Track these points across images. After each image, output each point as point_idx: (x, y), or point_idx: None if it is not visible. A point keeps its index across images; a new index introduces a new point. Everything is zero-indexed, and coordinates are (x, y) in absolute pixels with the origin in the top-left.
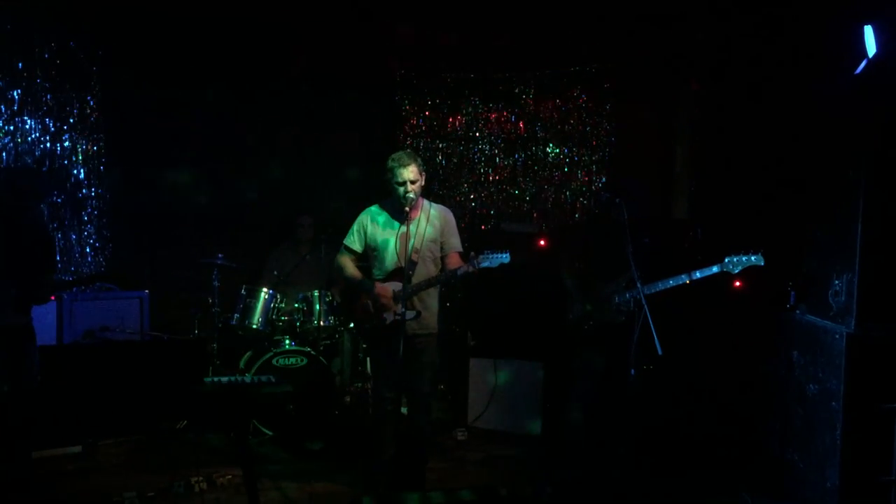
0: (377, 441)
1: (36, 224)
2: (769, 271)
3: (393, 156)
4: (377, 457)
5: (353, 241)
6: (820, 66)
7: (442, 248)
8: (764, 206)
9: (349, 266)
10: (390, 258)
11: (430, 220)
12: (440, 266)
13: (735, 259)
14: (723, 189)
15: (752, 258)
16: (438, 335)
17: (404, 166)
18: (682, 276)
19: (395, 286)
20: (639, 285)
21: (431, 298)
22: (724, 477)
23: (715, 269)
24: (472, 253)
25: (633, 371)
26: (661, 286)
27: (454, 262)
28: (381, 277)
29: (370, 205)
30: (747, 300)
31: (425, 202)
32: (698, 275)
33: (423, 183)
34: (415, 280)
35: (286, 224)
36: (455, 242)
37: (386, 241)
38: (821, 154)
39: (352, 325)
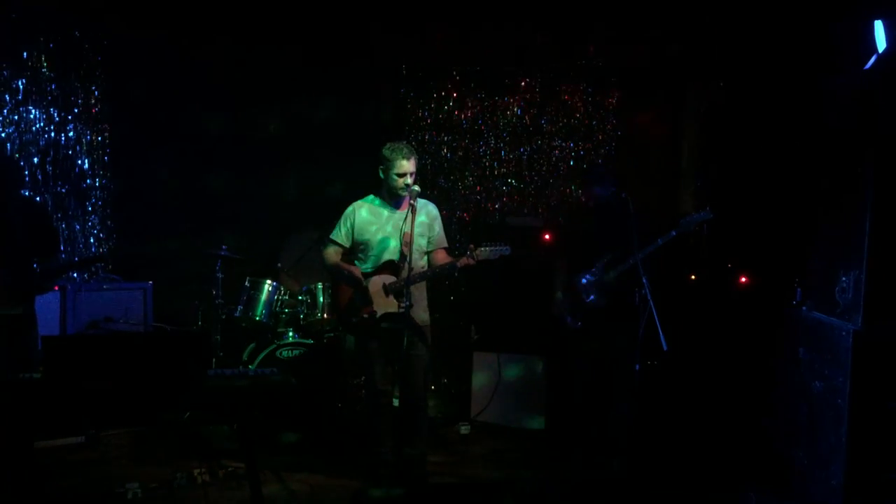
0: (374, 435)
1: (30, 210)
2: (775, 267)
3: (391, 146)
4: (376, 451)
5: (340, 235)
6: (829, 60)
7: (430, 244)
8: (771, 201)
9: (334, 257)
10: (383, 251)
11: (420, 214)
12: (427, 261)
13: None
14: (729, 184)
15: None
16: (430, 327)
17: (406, 158)
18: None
19: (386, 279)
20: (645, 281)
21: (421, 291)
22: (728, 473)
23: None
24: (471, 245)
25: (637, 366)
26: (621, 269)
27: (441, 257)
28: (370, 270)
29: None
30: (753, 296)
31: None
32: (660, 241)
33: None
34: (406, 273)
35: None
36: (443, 239)
37: (376, 234)
38: (829, 149)
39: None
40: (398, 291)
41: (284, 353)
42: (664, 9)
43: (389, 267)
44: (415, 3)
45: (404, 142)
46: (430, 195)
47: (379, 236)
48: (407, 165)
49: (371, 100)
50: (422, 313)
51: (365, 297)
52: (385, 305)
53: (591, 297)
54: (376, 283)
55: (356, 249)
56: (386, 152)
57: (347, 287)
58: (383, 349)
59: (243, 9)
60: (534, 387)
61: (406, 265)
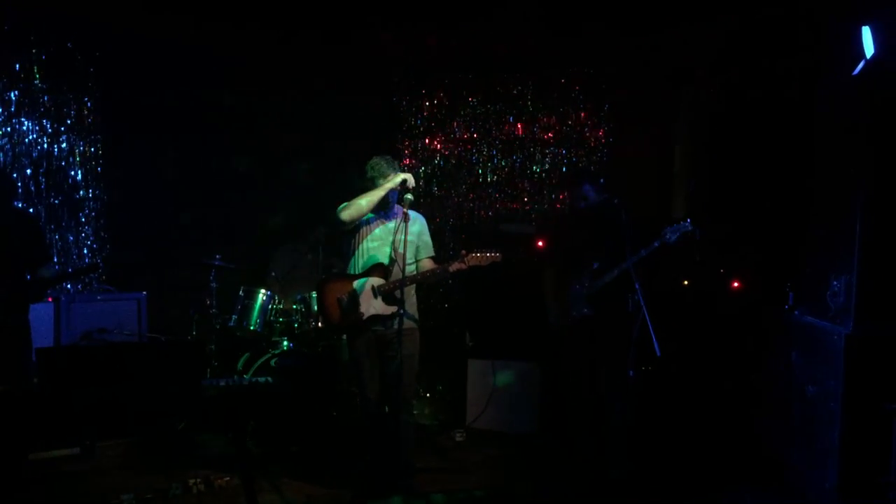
0: (370, 442)
1: (22, 222)
2: (768, 272)
3: (373, 164)
4: (370, 457)
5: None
6: (818, 66)
7: (418, 252)
8: (763, 206)
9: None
10: (373, 255)
11: (410, 223)
12: (416, 269)
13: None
14: (722, 189)
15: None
16: (418, 330)
17: (384, 176)
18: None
19: (375, 281)
20: (637, 287)
21: (410, 295)
22: (723, 477)
23: (655, 244)
24: (463, 251)
25: (631, 372)
26: (607, 278)
27: (428, 265)
28: (358, 273)
29: None
30: (746, 300)
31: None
32: (644, 252)
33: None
34: (396, 276)
35: (287, 226)
36: (430, 248)
37: (367, 240)
38: (820, 154)
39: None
40: (387, 294)
41: (279, 363)
42: (659, 13)
43: (379, 269)
44: (408, 9)
45: (389, 157)
46: (424, 203)
47: (369, 242)
48: (386, 184)
49: (364, 108)
50: (410, 316)
51: (353, 299)
52: (374, 308)
53: (582, 306)
54: (366, 285)
55: (347, 248)
56: (368, 169)
57: (335, 287)
58: (371, 353)
59: (234, 18)
60: (528, 392)
61: (396, 268)
